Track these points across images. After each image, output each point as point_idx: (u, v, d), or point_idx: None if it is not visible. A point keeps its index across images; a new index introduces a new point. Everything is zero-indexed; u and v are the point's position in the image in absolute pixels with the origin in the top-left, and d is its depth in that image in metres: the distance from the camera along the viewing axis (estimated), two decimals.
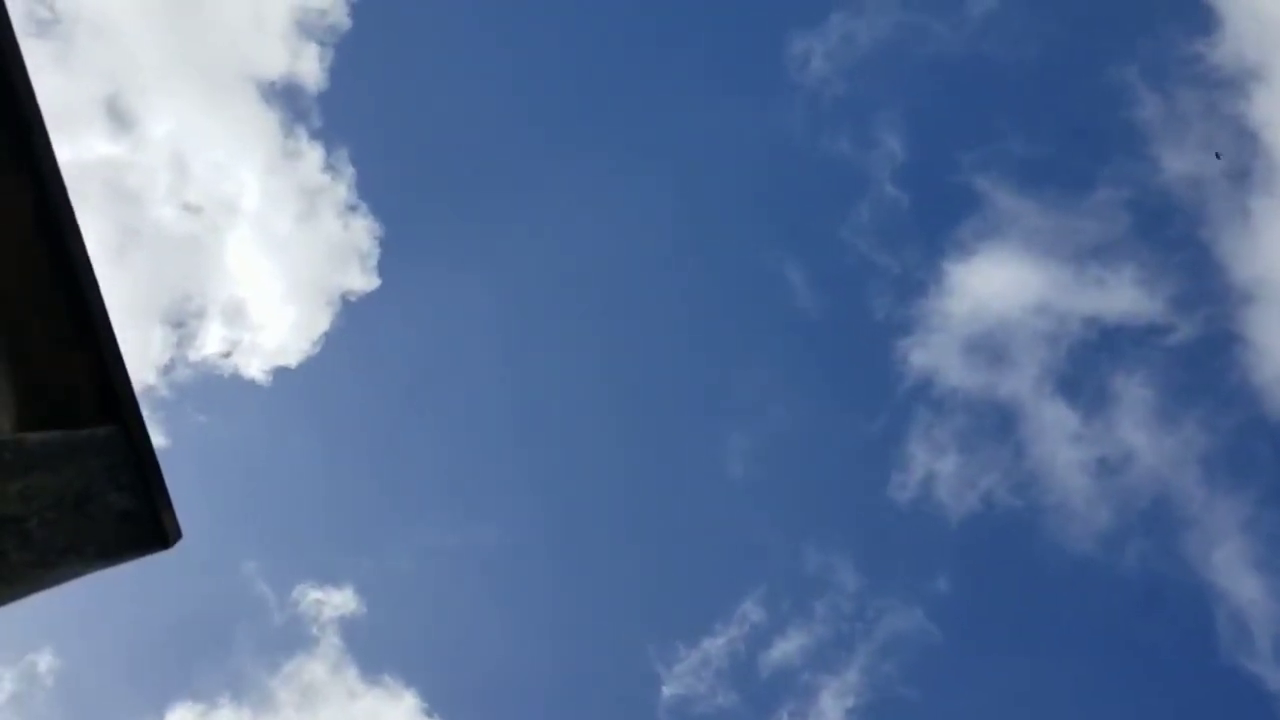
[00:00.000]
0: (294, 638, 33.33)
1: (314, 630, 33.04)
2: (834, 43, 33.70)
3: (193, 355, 33.28)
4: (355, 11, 33.21)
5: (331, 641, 32.67)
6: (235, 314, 34.10)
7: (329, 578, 33.63)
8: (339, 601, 32.63)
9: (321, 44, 32.84)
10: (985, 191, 33.25)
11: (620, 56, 36.49)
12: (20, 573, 6.31)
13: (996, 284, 33.20)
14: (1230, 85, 31.87)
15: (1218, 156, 30.09)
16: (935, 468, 32.46)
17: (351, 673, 32.42)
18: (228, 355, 32.69)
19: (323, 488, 36.56)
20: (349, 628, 32.84)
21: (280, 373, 33.42)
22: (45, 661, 31.77)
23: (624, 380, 36.42)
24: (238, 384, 33.47)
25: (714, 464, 34.40)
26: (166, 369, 32.64)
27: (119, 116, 32.42)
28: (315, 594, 32.63)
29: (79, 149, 32.17)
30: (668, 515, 35.21)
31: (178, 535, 6.75)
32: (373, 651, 33.36)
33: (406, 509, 36.40)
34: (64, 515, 6.39)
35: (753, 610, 31.99)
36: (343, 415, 37.27)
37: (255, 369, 33.23)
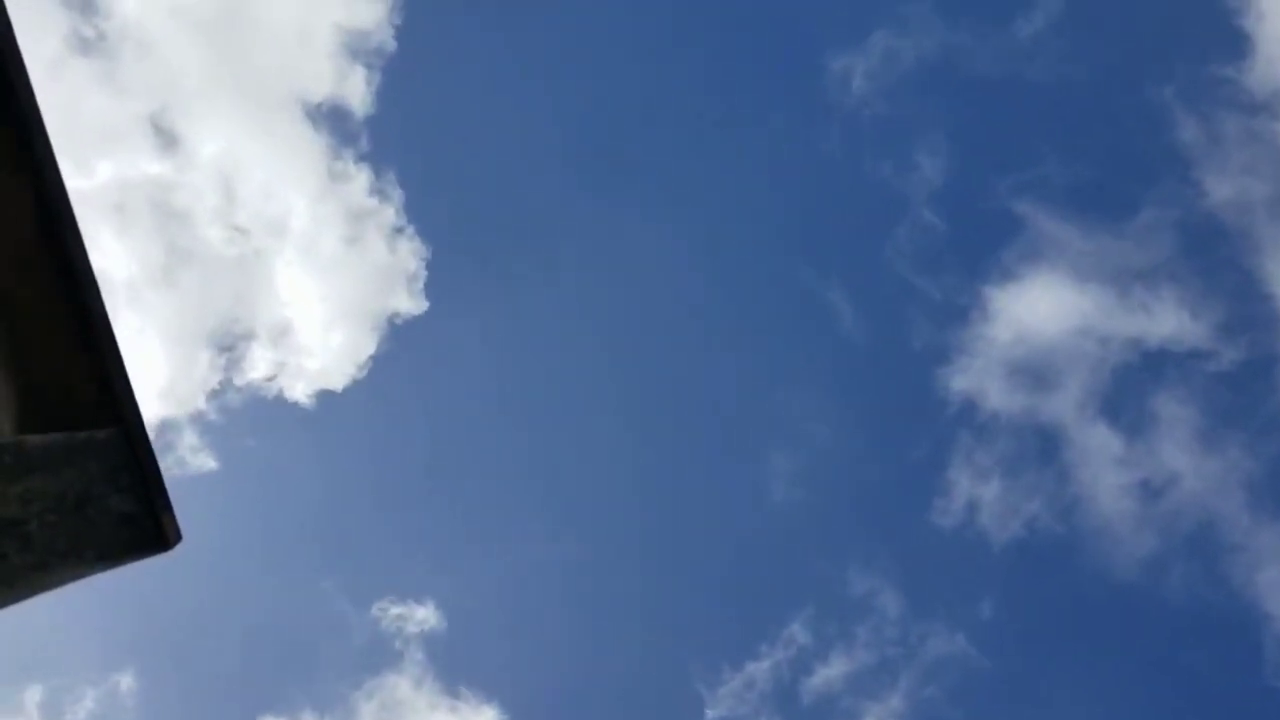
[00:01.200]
0: (375, 654, 33.47)
1: (396, 646, 33.20)
2: (875, 62, 33.51)
3: (240, 379, 33.23)
4: (401, 33, 33.12)
5: (414, 657, 32.85)
6: (282, 337, 34.00)
7: (408, 594, 33.72)
8: (421, 617, 32.78)
9: (368, 66, 32.76)
10: (1027, 215, 33.07)
11: (662, 77, 36.20)
12: (20, 575, 6.32)
13: (1039, 308, 32.99)
14: (1265, 109, 31.68)
15: None
16: (978, 492, 32.41)
17: (433, 687, 32.57)
18: (272, 379, 32.72)
19: (384, 508, 36.56)
20: (430, 643, 32.99)
21: (328, 396, 33.22)
22: (127, 682, 32.01)
23: (666, 402, 36.44)
24: (286, 408, 33.32)
25: (757, 487, 34.40)
26: (214, 394, 32.69)
27: (164, 136, 32.35)
28: (396, 610, 32.80)
29: (123, 167, 32.19)
30: (711, 538, 35.28)
31: (178, 538, 6.75)
32: (452, 666, 33.48)
33: (463, 528, 36.40)
34: (64, 518, 6.40)
35: (797, 633, 32.04)
36: (393, 437, 37.14)
37: (302, 392, 33.02)
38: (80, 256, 6.53)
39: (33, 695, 31.30)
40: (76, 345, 6.56)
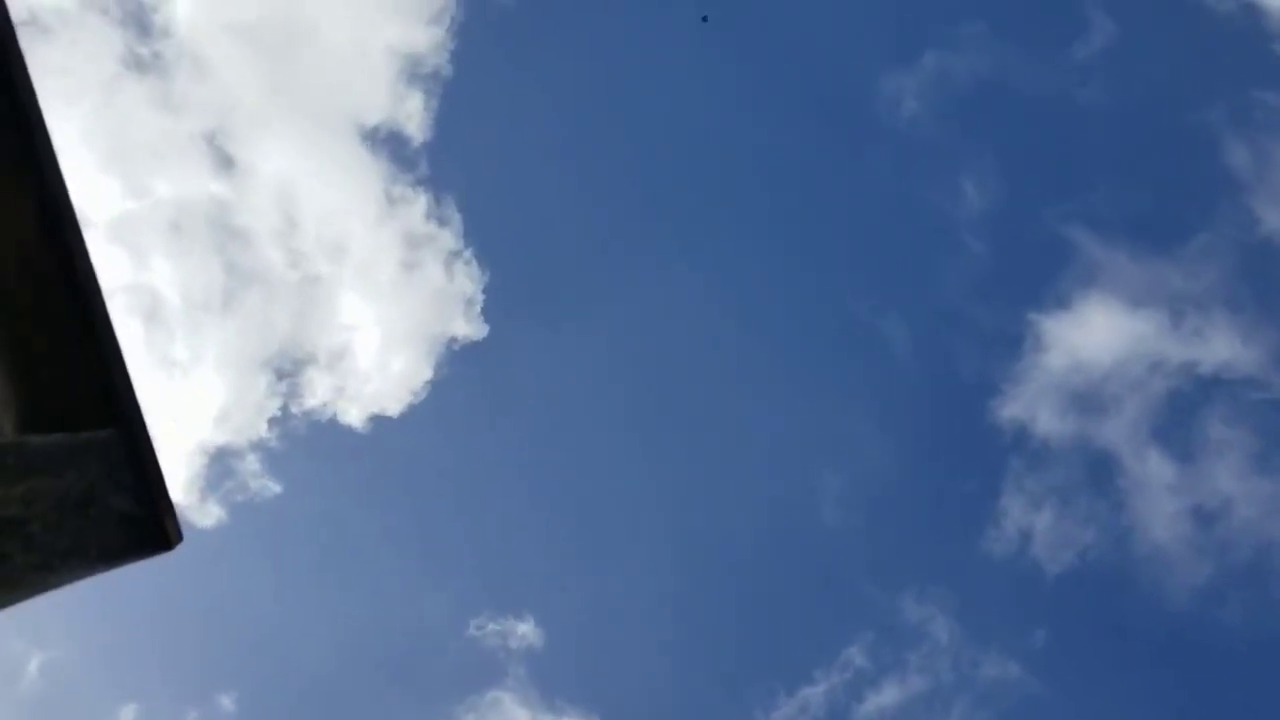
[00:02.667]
0: (476, 669, 33.76)
1: (496, 660, 33.39)
2: (927, 82, 33.51)
3: (300, 404, 33.16)
4: (456, 57, 32.84)
5: (515, 672, 33.06)
6: (340, 361, 33.82)
7: (506, 610, 33.93)
8: (523, 632, 32.97)
9: (425, 91, 32.46)
10: (1078, 240, 33.23)
11: (717, 100, 36.28)
12: (23, 575, 6.33)
13: (1091, 335, 33.17)
14: None
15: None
16: (1031, 519, 32.71)
17: (535, 702, 32.79)
18: (331, 404, 32.61)
19: (462, 527, 36.67)
20: (531, 658, 33.21)
21: (387, 420, 33.33)
22: (227, 701, 32.16)
23: (721, 428, 36.65)
24: (345, 432, 33.44)
25: (812, 514, 34.72)
26: (276, 421, 32.57)
27: (220, 157, 32.09)
28: (494, 625, 32.95)
29: (178, 187, 31.81)
30: (764, 563, 35.62)
31: (179, 537, 6.76)
32: (552, 681, 33.76)
33: (534, 547, 36.57)
34: (66, 518, 6.40)
35: (851, 658, 32.39)
36: (457, 458, 37.30)
37: (361, 416, 33.12)
38: (82, 256, 6.51)
39: (127, 714, 31.57)
40: (78, 346, 6.55)
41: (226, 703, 32.25)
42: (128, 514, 6.59)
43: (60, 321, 6.53)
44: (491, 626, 32.92)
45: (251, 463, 32.55)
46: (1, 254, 6.40)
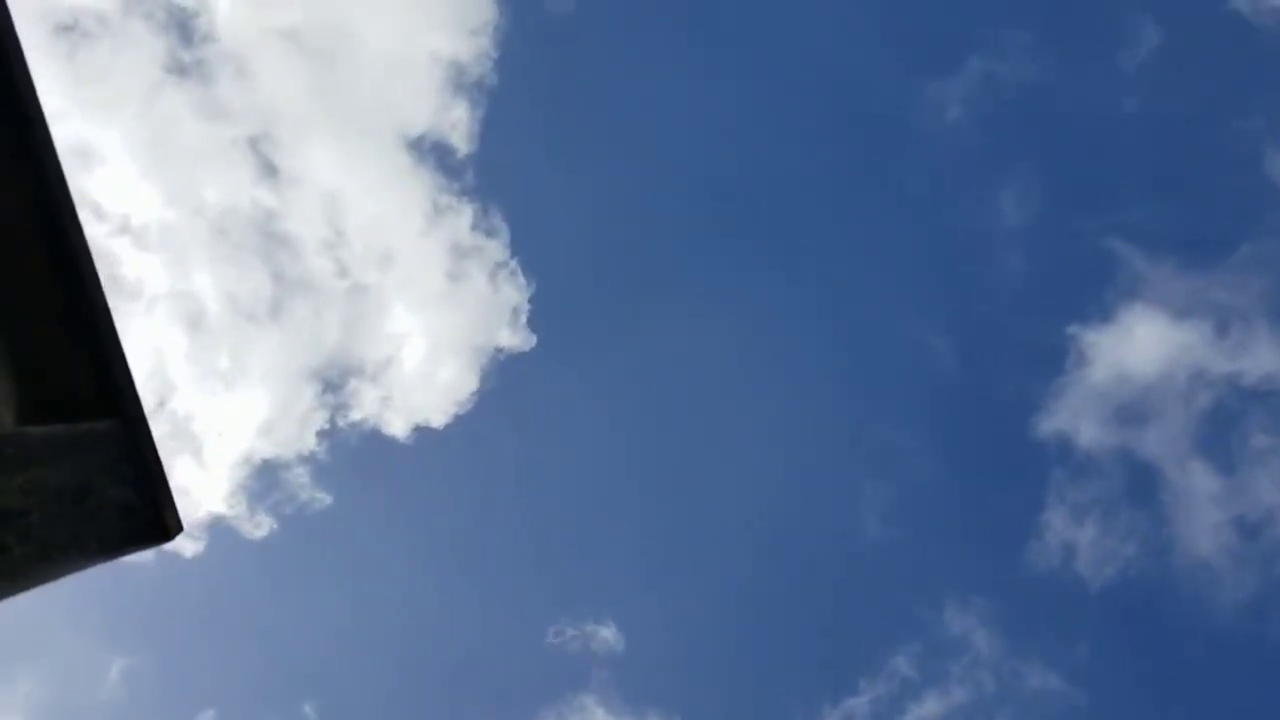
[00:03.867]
0: (558, 674, 33.96)
1: (578, 666, 33.61)
2: (969, 89, 33.32)
3: (349, 415, 33.32)
4: (500, 66, 32.99)
5: (597, 676, 33.27)
6: (387, 372, 33.95)
7: (586, 615, 34.16)
8: (605, 636, 33.14)
9: (470, 100, 32.61)
10: (1121, 250, 32.83)
11: (759, 108, 36.19)
12: (22, 566, 6.35)
13: (1134, 347, 32.80)
14: None
15: None
16: (1073, 531, 32.37)
17: (618, 707, 32.96)
18: (377, 415, 32.85)
19: (522, 536, 36.91)
20: (613, 663, 33.41)
21: (436, 430, 33.27)
22: (309, 709, 32.62)
23: (765, 440, 36.62)
24: (392, 442, 33.52)
25: (855, 525, 34.61)
26: (325, 433, 32.86)
27: (263, 165, 32.35)
28: (573, 631, 33.15)
29: (222, 194, 32.14)
30: (808, 573, 35.48)
31: (179, 528, 6.77)
32: (634, 686, 33.97)
33: (594, 554, 36.73)
34: (65, 509, 6.43)
35: (896, 669, 32.28)
36: (514, 465, 37.39)
37: (407, 426, 33.08)
38: (82, 248, 6.55)
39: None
40: (78, 337, 6.58)
41: (309, 710, 32.58)
42: (127, 505, 6.60)
43: (60, 313, 6.57)
44: (571, 632, 32.96)
45: (300, 474, 32.78)
46: (1, 245, 6.45)
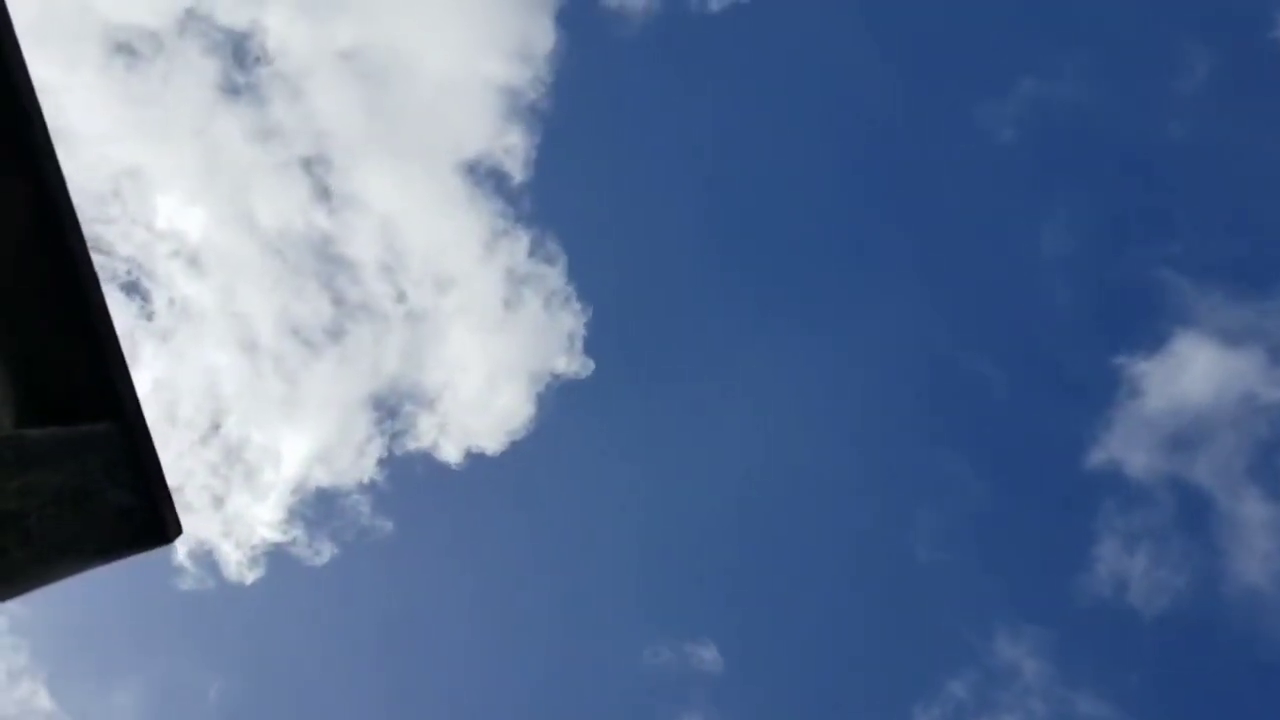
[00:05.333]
0: (657, 696, 34.10)
1: (676, 687, 33.68)
2: (1020, 111, 33.09)
3: (405, 441, 33.45)
4: (556, 91, 33.20)
5: (697, 696, 33.37)
6: (444, 399, 34.10)
7: (683, 636, 34.29)
8: (706, 657, 33.19)
9: (527, 127, 32.81)
10: (1172, 277, 32.46)
11: (811, 131, 36.19)
12: (20, 569, 6.29)
13: (1186, 375, 32.31)
14: None
15: None
16: (1124, 560, 32.11)
17: None
18: (436, 441, 33.03)
19: (593, 560, 37.09)
20: (713, 684, 33.49)
21: (497, 455, 33.26)
22: None
23: (816, 469, 36.56)
24: (451, 467, 33.58)
25: (906, 553, 34.46)
26: (383, 460, 33.12)
27: (317, 188, 32.72)
28: (669, 653, 33.26)
29: (275, 217, 32.55)
30: (864, 599, 35.45)
31: (178, 531, 6.70)
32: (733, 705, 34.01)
33: (669, 576, 36.76)
34: (63, 511, 6.37)
35: (950, 695, 32.09)
36: (580, 489, 37.55)
37: (462, 452, 33.22)
38: (80, 250, 6.51)
39: None
40: (76, 339, 6.54)
41: None
42: (126, 507, 6.54)
43: (59, 315, 6.53)
44: (667, 654, 32.86)
45: (358, 501, 32.96)
46: (0, 249, 6.43)
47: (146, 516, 6.58)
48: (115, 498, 6.51)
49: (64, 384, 6.58)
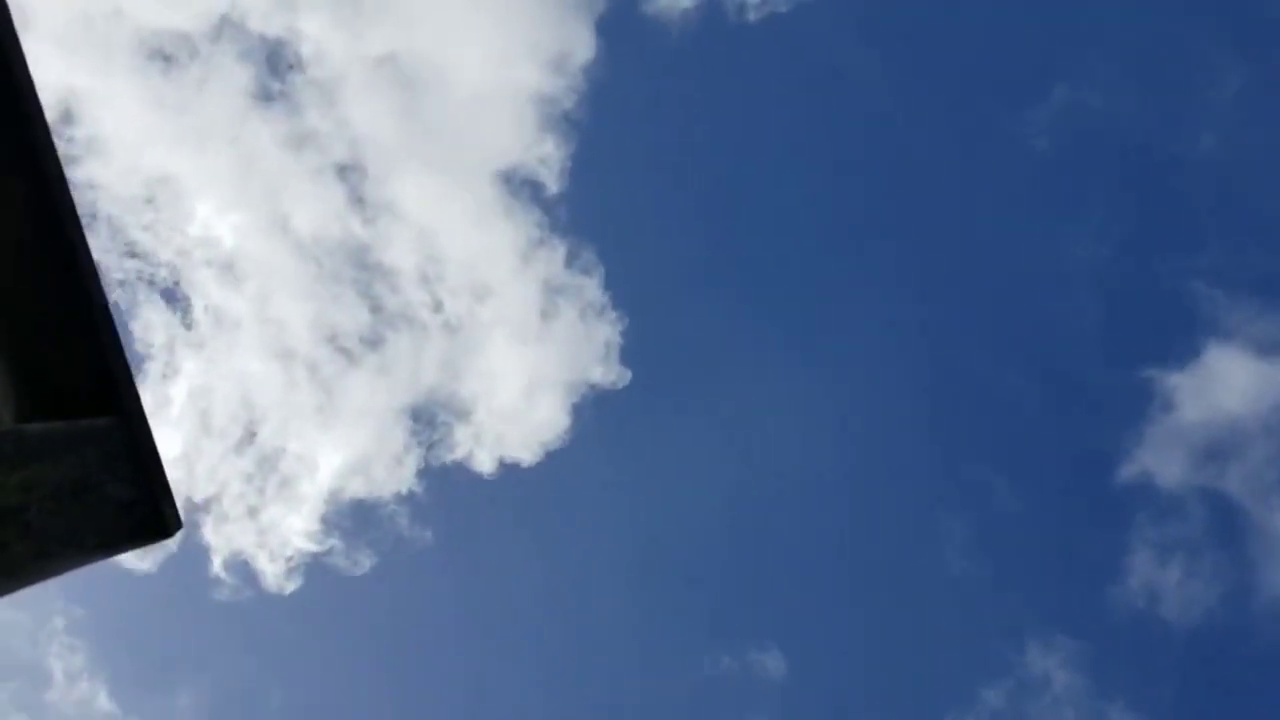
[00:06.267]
0: (722, 702, 34.32)
1: (740, 692, 33.80)
2: (1053, 119, 32.90)
3: (443, 452, 33.54)
4: (592, 101, 33.33)
5: (759, 702, 33.49)
6: (485, 409, 34.21)
7: (746, 642, 34.44)
8: (770, 664, 33.30)
9: (563, 136, 32.90)
10: (1206, 288, 32.17)
11: (845, 142, 36.23)
12: (21, 563, 6.35)
13: (1220, 386, 31.98)
14: None
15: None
16: (1158, 572, 31.86)
17: None
18: (474, 451, 33.17)
19: (627, 568, 37.29)
20: (778, 689, 33.63)
21: (537, 465, 33.22)
22: None
23: (850, 480, 36.56)
24: (490, 476, 33.69)
25: (938, 563, 34.34)
26: (422, 471, 33.33)
27: (353, 198, 32.93)
28: (730, 659, 33.38)
29: (310, 225, 32.83)
30: (894, 611, 35.33)
31: (178, 525, 6.73)
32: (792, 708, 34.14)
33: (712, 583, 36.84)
34: (64, 505, 6.42)
35: (984, 704, 31.94)
36: (612, 502, 37.75)
37: (507, 460, 33.00)
38: (81, 246, 6.58)
39: None
40: (76, 335, 6.60)
41: None
42: (126, 501, 6.59)
43: (59, 310, 6.60)
44: (728, 661, 32.87)
45: (397, 510, 33.11)
46: (1, 244, 6.51)
47: (146, 510, 6.62)
48: (115, 492, 6.56)
49: (64, 379, 6.64)
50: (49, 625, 32.33)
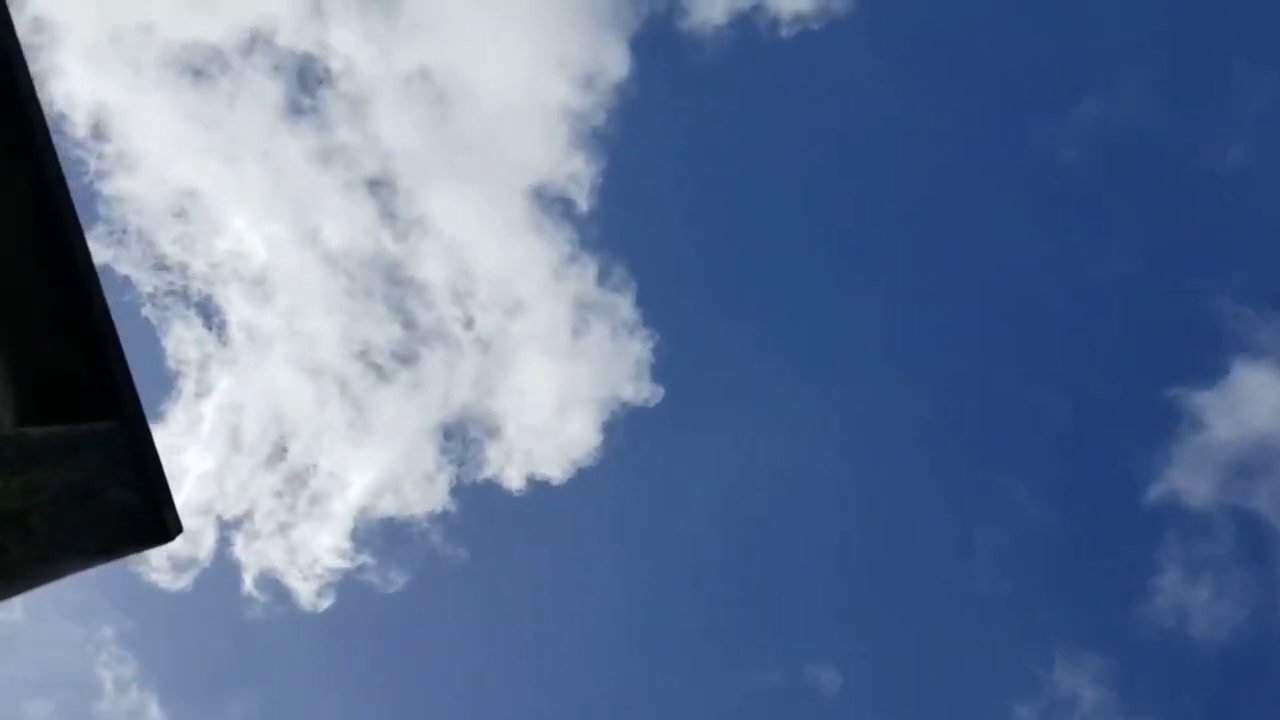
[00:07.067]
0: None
1: (769, 707, 33.80)
2: (1079, 132, 32.69)
3: (475, 469, 33.52)
4: (622, 119, 33.33)
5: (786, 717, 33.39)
6: (518, 426, 34.13)
7: (776, 658, 34.40)
8: (799, 680, 33.32)
9: (594, 153, 32.89)
10: (1232, 306, 31.92)
11: (879, 155, 36.05)
12: (22, 568, 6.28)
13: (1249, 406, 31.68)
14: None
15: None
16: (1187, 590, 31.75)
17: None
18: (507, 468, 33.10)
19: (674, 582, 37.27)
20: (806, 704, 33.62)
21: (568, 482, 33.24)
22: None
23: (880, 500, 36.45)
24: (523, 494, 33.68)
25: (966, 580, 34.25)
26: (455, 489, 33.35)
27: (384, 213, 32.96)
28: (776, 677, 33.42)
29: (341, 240, 32.92)
30: (923, 626, 35.24)
31: (179, 529, 6.65)
32: None
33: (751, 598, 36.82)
34: (65, 510, 6.35)
35: (1019, 717, 31.63)
36: (648, 520, 37.72)
37: (539, 477, 33.04)
38: (81, 248, 6.51)
39: None
40: (77, 338, 6.54)
41: None
42: (127, 506, 6.51)
43: (60, 313, 6.53)
44: (775, 678, 32.81)
45: (430, 528, 33.08)
46: (1, 244, 6.45)
47: (148, 515, 6.54)
48: (117, 496, 6.48)
49: (65, 383, 6.57)
50: (97, 635, 32.57)
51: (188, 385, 31.30)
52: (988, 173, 35.21)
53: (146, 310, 30.81)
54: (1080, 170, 33.68)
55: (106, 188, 30.07)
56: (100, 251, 29.76)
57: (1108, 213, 33.90)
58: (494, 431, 33.53)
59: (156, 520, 6.56)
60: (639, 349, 33.48)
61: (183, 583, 30.91)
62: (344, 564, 32.39)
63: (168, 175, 30.43)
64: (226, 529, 31.92)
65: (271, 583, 32.08)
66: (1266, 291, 32.15)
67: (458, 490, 33.22)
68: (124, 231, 29.76)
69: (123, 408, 6.56)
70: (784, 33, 32.81)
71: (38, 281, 6.50)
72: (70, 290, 6.52)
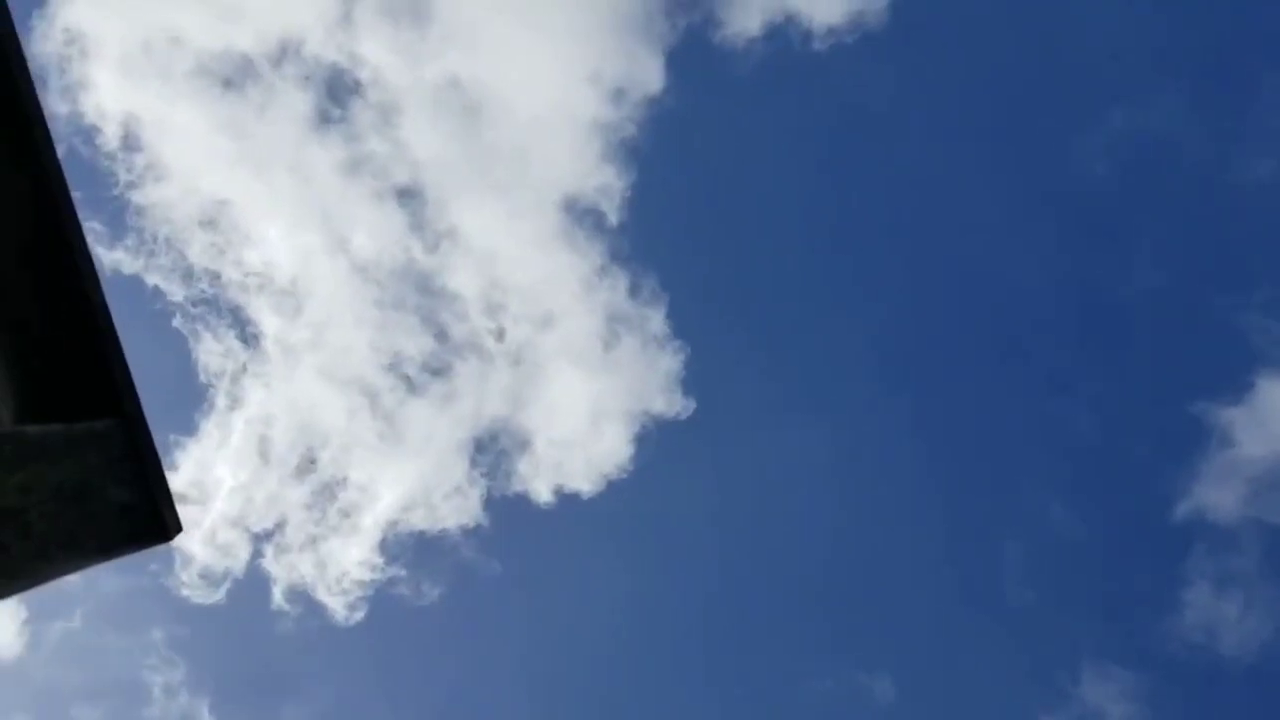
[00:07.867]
0: None
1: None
2: (1108, 144, 32.50)
3: (506, 483, 33.54)
4: (654, 131, 33.36)
5: None
6: (550, 439, 34.12)
7: (805, 669, 34.41)
8: (828, 691, 33.25)
9: (626, 165, 32.93)
10: (1259, 319, 31.54)
11: (904, 165, 36.03)
12: (20, 566, 6.27)
13: (1278, 420, 31.30)
14: None
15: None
16: (1215, 605, 31.41)
17: None
18: (537, 481, 33.12)
19: (717, 596, 37.36)
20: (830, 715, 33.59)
21: (600, 495, 33.31)
22: None
23: (909, 513, 36.37)
24: (538, 509, 33.82)
25: (992, 593, 34.01)
26: (487, 501, 33.42)
27: (414, 224, 33.11)
28: (832, 684, 33.38)
29: (368, 249, 33.10)
30: (951, 639, 35.05)
31: (178, 528, 6.62)
32: None
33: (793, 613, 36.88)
34: (64, 508, 6.34)
35: None
36: (680, 533, 37.73)
37: (570, 490, 33.15)
38: (80, 246, 6.52)
39: None
40: (76, 336, 6.54)
41: None
42: (126, 504, 6.49)
43: (59, 311, 6.54)
44: (832, 687, 32.71)
45: (462, 541, 33.09)
46: (1, 244, 6.46)
47: (147, 514, 6.52)
48: (116, 495, 6.46)
49: (64, 381, 6.57)
50: (145, 638, 32.78)
51: (219, 398, 31.47)
52: (1016, 185, 34.98)
53: (177, 321, 31.01)
54: (1108, 183, 33.44)
55: (137, 198, 30.31)
56: (130, 262, 30.09)
57: (1136, 226, 33.66)
58: (525, 444, 33.47)
59: (155, 519, 6.54)
60: (670, 362, 33.36)
61: (219, 596, 31.03)
62: (375, 576, 32.39)
63: (198, 186, 30.66)
64: (258, 541, 32.02)
65: (302, 596, 32.15)
66: None
67: (489, 503, 33.20)
68: (154, 241, 29.98)
69: (122, 406, 6.55)
70: (817, 45, 32.71)
71: (38, 279, 6.51)
72: (70, 289, 6.53)
